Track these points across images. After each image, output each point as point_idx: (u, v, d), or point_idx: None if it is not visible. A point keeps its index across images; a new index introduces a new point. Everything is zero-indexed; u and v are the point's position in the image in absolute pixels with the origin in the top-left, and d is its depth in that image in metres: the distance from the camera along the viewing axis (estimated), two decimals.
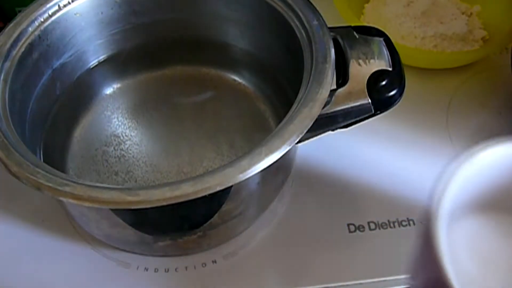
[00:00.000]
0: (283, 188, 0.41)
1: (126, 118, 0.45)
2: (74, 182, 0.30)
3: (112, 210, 0.33)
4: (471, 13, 0.54)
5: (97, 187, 0.29)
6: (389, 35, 0.37)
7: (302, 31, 0.37)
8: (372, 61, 0.35)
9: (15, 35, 0.37)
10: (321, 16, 0.37)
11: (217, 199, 0.34)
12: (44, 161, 0.36)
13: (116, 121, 0.45)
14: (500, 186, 0.30)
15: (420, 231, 0.26)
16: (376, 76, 0.34)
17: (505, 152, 0.29)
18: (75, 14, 0.41)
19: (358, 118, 0.35)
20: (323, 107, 0.32)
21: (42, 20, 0.39)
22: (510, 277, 0.28)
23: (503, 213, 0.31)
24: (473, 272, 0.28)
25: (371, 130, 0.42)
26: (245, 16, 0.42)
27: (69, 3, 0.40)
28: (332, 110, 0.34)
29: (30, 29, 0.38)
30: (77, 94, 0.44)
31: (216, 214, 0.35)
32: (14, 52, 0.37)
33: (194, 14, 0.44)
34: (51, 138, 0.40)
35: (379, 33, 0.37)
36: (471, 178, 0.27)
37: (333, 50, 0.35)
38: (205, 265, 0.39)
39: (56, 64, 0.41)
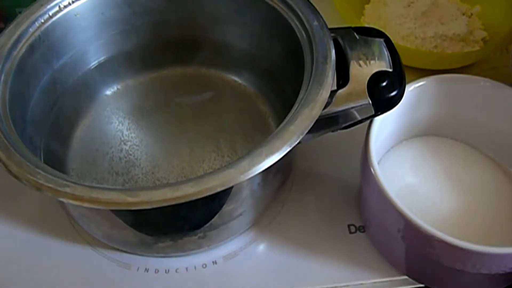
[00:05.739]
0: (283, 188, 0.41)
1: (126, 119, 0.45)
2: (75, 182, 0.30)
3: (112, 211, 0.33)
4: (471, 14, 0.54)
5: (97, 187, 0.29)
6: (389, 36, 0.37)
7: (303, 31, 0.37)
8: (372, 62, 0.35)
9: (15, 36, 0.37)
10: (322, 17, 0.37)
11: (217, 200, 0.34)
12: (44, 161, 0.36)
13: (117, 121, 0.45)
14: (434, 115, 0.41)
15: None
16: (377, 77, 0.34)
17: (430, 86, 0.39)
18: (75, 14, 0.41)
19: (358, 119, 0.35)
20: (324, 108, 0.32)
21: (42, 21, 0.39)
22: (438, 183, 0.39)
23: (439, 137, 0.42)
24: (412, 181, 0.40)
25: None
26: (245, 16, 0.42)
27: (69, 3, 0.40)
28: (332, 111, 0.33)
29: (30, 30, 0.38)
30: (78, 95, 0.44)
31: (217, 215, 0.35)
32: (14, 53, 0.37)
33: (194, 14, 0.44)
34: (51, 138, 0.40)
35: (380, 34, 0.37)
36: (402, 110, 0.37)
37: (333, 51, 0.35)
38: (206, 265, 0.39)
39: (57, 64, 0.41)
